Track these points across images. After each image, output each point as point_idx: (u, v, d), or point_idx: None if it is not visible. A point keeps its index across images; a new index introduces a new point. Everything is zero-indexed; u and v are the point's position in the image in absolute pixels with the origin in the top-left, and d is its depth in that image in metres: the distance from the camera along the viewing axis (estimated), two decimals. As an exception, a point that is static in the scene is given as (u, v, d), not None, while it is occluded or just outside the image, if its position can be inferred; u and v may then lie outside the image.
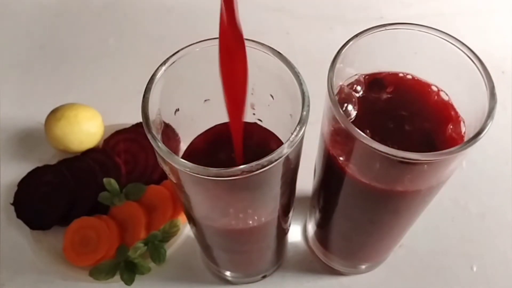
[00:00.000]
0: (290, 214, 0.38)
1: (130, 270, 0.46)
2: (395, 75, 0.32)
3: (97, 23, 0.69)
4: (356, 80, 0.32)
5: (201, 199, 0.30)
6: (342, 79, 0.32)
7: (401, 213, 0.35)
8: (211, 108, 0.33)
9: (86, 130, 0.51)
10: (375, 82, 0.32)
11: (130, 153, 0.53)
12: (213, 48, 0.29)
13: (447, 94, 0.31)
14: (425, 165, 0.27)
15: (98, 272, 0.45)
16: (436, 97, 0.31)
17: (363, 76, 0.32)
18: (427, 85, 0.32)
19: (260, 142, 0.34)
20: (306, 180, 0.40)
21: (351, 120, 0.30)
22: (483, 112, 0.27)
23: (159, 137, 0.26)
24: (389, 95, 0.32)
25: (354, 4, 0.70)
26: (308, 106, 0.26)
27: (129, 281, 0.45)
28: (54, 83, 0.62)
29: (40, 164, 0.52)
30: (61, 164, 0.52)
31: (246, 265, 0.45)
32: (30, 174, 0.51)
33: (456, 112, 0.31)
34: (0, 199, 0.52)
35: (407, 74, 0.32)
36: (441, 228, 0.50)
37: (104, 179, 0.49)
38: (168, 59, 0.28)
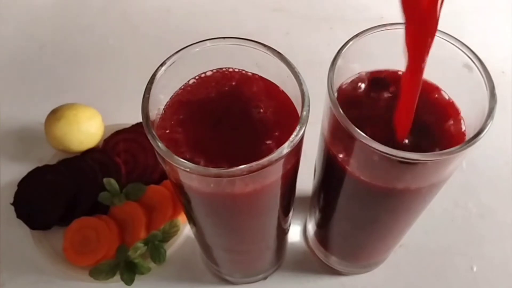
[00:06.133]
0: (290, 214, 0.38)
1: (130, 270, 0.46)
2: (395, 73, 0.32)
3: (97, 23, 0.69)
4: (355, 79, 0.32)
5: (201, 199, 0.30)
6: (342, 78, 0.32)
7: (401, 213, 0.35)
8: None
9: (86, 130, 0.51)
10: (375, 80, 0.32)
11: (130, 153, 0.53)
12: (213, 48, 0.29)
13: (447, 94, 0.31)
14: (425, 165, 0.27)
15: (98, 272, 0.45)
16: (436, 95, 0.31)
17: (363, 75, 0.32)
18: (427, 84, 0.32)
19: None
20: (306, 180, 0.40)
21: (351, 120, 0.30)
22: (483, 112, 0.27)
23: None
24: (389, 94, 0.31)
25: (354, 4, 0.70)
26: (308, 106, 0.26)
27: (129, 281, 0.45)
28: (54, 83, 0.62)
29: (40, 164, 0.52)
30: (61, 164, 0.52)
31: (246, 265, 0.45)
32: (30, 174, 0.51)
33: (457, 111, 0.31)
34: (0, 199, 0.52)
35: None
36: (441, 228, 0.50)
37: (104, 179, 0.49)
38: (168, 59, 0.28)
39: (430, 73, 0.32)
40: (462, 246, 0.49)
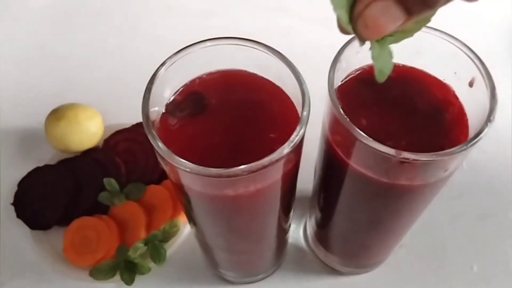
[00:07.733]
0: (290, 214, 0.38)
1: (130, 270, 0.46)
2: (395, 70, 0.32)
3: (97, 23, 0.69)
4: (355, 78, 0.32)
5: (201, 199, 0.30)
6: (343, 78, 0.32)
7: (401, 213, 0.35)
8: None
9: (86, 130, 0.51)
10: (375, 79, 0.32)
11: (130, 153, 0.53)
12: (213, 48, 0.29)
13: (451, 90, 0.31)
14: (425, 165, 0.27)
15: (98, 272, 0.45)
16: (441, 89, 0.31)
17: (363, 74, 0.32)
18: (431, 77, 0.32)
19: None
20: (306, 180, 0.40)
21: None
22: (483, 112, 0.27)
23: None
24: (390, 92, 0.31)
25: (354, 4, 0.69)
26: (309, 106, 0.26)
27: (129, 281, 0.45)
28: (54, 83, 0.62)
29: (40, 164, 0.52)
30: (61, 164, 0.52)
31: (246, 265, 0.45)
32: (30, 174, 0.51)
33: (461, 108, 0.31)
34: (0, 199, 0.52)
35: (411, 67, 0.32)
36: (441, 228, 0.50)
37: (104, 179, 0.49)
38: (168, 59, 0.28)
39: (431, 73, 0.32)
40: (462, 246, 0.49)
